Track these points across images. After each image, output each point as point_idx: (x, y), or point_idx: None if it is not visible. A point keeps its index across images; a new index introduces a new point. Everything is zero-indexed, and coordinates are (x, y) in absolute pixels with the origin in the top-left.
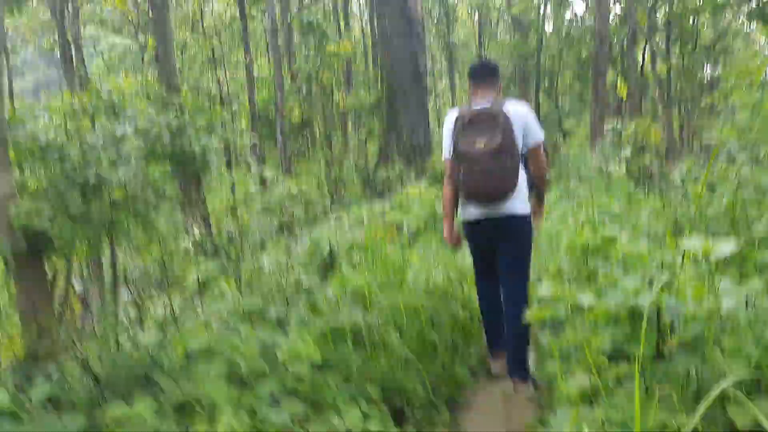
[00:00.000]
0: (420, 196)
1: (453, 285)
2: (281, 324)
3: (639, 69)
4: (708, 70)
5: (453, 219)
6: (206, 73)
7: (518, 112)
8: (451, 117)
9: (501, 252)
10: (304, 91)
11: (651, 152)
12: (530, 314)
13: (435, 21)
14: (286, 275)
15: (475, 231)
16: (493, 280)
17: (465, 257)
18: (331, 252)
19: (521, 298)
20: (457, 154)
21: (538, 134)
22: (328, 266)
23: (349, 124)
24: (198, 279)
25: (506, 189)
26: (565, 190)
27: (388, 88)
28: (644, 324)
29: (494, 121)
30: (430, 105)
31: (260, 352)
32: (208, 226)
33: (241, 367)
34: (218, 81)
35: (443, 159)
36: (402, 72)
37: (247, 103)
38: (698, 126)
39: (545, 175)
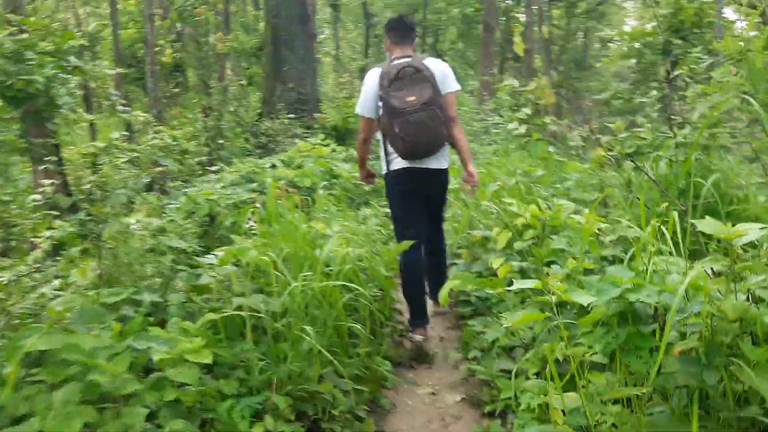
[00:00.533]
0: (312, 152)
1: (372, 261)
2: (156, 310)
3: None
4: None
5: (365, 166)
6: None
7: (438, 66)
8: (373, 74)
9: (428, 203)
10: (177, 30)
11: (549, 113)
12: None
13: None
14: (159, 241)
15: (405, 181)
16: (418, 236)
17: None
18: (211, 215)
19: (444, 245)
20: (390, 111)
21: (454, 84)
22: (209, 230)
23: (228, 69)
24: (50, 241)
25: (441, 140)
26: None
27: (271, 32)
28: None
29: (421, 75)
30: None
31: (128, 358)
32: (62, 179)
33: (100, 385)
34: (76, 15)
35: (357, 112)
36: (288, 14)
37: (113, 42)
38: (579, 87)
39: (457, 118)
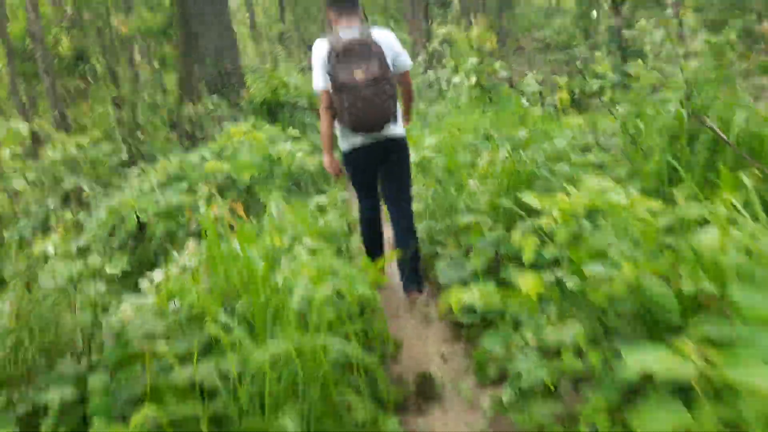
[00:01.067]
0: (246, 137)
1: (355, 302)
2: (71, 408)
3: None
4: None
5: (332, 149)
6: None
7: (386, 39)
8: (321, 47)
9: (386, 176)
10: (72, 16)
11: (495, 59)
12: None
13: None
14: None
15: (358, 157)
16: (375, 200)
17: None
18: (140, 224)
19: (410, 220)
20: (338, 86)
21: (407, 61)
22: (140, 245)
23: (137, 53)
24: None
25: (388, 115)
26: (417, 114)
27: (179, 5)
28: None
29: (369, 50)
30: None
31: None
32: None
33: None
34: None
35: (315, 89)
36: None
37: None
38: (511, 28)
39: (413, 98)
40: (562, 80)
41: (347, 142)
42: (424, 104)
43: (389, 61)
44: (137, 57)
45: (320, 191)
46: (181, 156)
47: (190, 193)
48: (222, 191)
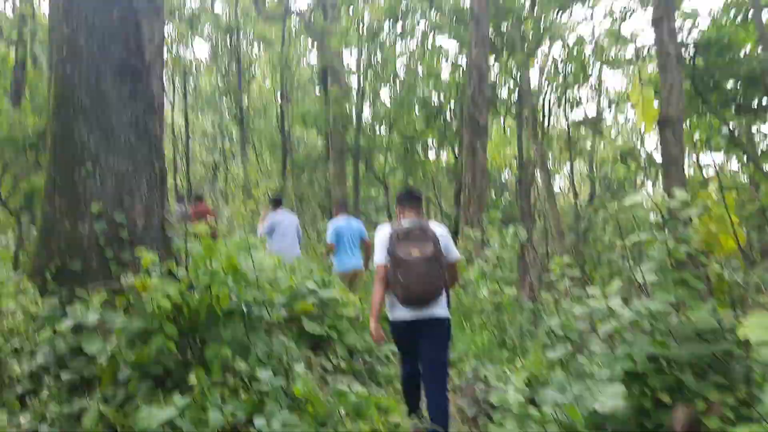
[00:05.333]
0: None
1: None
2: None
3: None
4: None
5: (379, 318)
6: None
7: (440, 231)
8: (384, 231)
9: (426, 346)
10: None
11: None
12: None
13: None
14: None
15: (404, 330)
16: (414, 362)
17: None
18: None
19: (444, 387)
20: (396, 261)
21: (455, 253)
22: None
23: None
24: None
25: (436, 291)
26: None
27: (59, 95)
28: None
29: (425, 234)
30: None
31: None
32: None
33: None
34: None
35: (376, 263)
36: (95, 60)
37: None
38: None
39: (457, 285)
40: None
41: (396, 314)
42: None
43: (443, 250)
44: None
45: None
46: None
47: None
48: None
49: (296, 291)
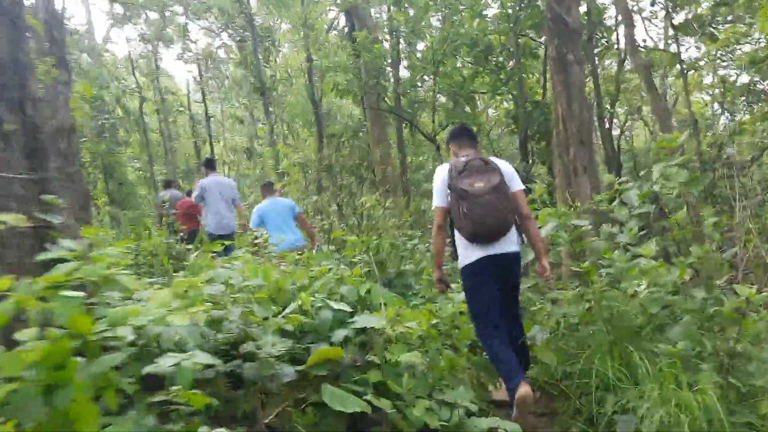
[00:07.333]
0: None
1: None
2: None
3: None
4: None
5: (442, 266)
6: None
7: (502, 164)
8: (442, 169)
9: (506, 288)
10: None
11: None
12: None
13: None
14: None
15: (482, 270)
16: (503, 323)
17: None
18: None
19: (522, 332)
20: (458, 194)
21: (519, 183)
22: None
23: None
24: None
25: (508, 222)
26: None
27: None
28: None
29: (487, 166)
30: None
31: None
32: None
33: None
34: None
35: (434, 206)
36: None
37: None
38: None
39: (531, 214)
40: None
41: (467, 257)
42: None
43: (507, 182)
44: None
45: None
46: None
47: None
48: None
49: (311, 325)
